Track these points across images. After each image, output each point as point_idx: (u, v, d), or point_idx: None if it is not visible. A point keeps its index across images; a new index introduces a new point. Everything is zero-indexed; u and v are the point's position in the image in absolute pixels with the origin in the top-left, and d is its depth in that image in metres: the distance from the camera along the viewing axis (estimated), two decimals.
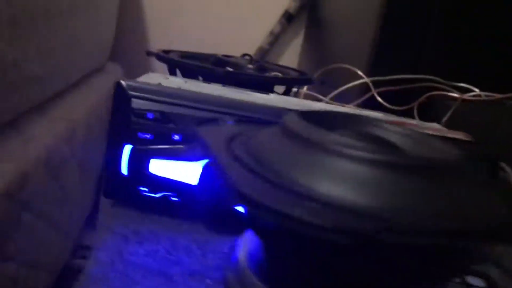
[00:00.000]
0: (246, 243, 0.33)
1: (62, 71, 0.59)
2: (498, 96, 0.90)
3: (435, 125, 0.61)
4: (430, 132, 0.49)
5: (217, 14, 1.24)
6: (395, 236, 0.22)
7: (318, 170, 0.25)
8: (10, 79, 0.40)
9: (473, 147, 0.48)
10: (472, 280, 0.36)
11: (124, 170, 0.44)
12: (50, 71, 0.52)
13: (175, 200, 0.45)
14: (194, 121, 0.43)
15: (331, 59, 1.15)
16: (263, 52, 1.19)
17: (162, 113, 0.43)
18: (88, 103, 0.73)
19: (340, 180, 0.25)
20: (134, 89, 0.44)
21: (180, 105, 0.43)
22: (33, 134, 0.46)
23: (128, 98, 0.43)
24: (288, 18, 1.21)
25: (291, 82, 0.76)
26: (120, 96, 0.44)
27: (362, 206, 0.23)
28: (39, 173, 0.42)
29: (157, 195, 0.45)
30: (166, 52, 0.77)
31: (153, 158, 0.43)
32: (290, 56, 1.26)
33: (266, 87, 0.67)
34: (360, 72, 0.92)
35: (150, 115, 0.43)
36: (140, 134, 0.43)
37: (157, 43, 1.21)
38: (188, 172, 0.44)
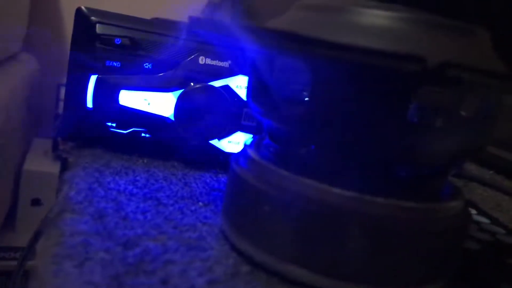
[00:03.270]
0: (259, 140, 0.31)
1: None
2: None
3: None
4: None
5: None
6: (459, 72, 0.21)
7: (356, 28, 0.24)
8: None
9: None
10: None
11: (90, 103, 0.40)
12: None
13: (145, 137, 0.41)
14: (167, 48, 0.40)
15: None
16: None
17: (131, 39, 0.40)
18: (5, 88, 0.68)
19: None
20: (97, 14, 0.40)
21: (150, 32, 0.40)
22: None
23: (92, 24, 0.40)
24: None
25: None
26: (82, 23, 0.40)
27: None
28: None
29: (126, 131, 0.41)
30: None
31: (122, 89, 0.40)
32: None
33: None
34: None
35: (117, 41, 0.40)
36: (107, 62, 0.39)
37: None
38: (161, 104, 0.40)
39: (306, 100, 0.26)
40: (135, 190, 0.35)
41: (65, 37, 1.24)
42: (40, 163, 1.13)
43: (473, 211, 0.42)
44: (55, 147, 1.16)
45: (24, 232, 1.05)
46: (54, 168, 1.09)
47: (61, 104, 1.06)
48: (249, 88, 0.30)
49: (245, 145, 0.31)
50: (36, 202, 1.11)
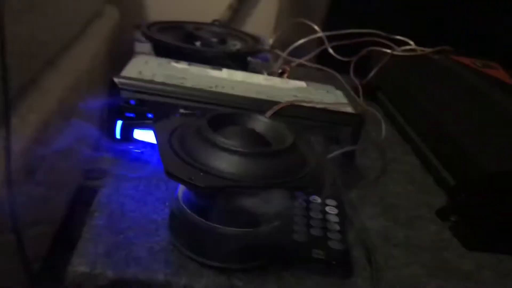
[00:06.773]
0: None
1: (68, 26, 0.68)
2: (428, 50, 1.07)
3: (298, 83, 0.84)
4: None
5: None
6: (238, 189, 0.48)
7: (211, 156, 0.51)
8: (30, 49, 0.48)
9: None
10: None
11: (118, 135, 0.70)
12: (56, 33, 0.60)
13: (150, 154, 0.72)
14: (162, 106, 0.69)
15: (294, 15, 1.34)
16: (233, 10, 1.35)
17: (141, 100, 0.69)
18: (90, 52, 0.76)
19: (221, 161, 0.50)
20: (122, 84, 0.69)
21: (153, 94, 0.69)
22: (47, 87, 0.52)
23: (119, 91, 0.69)
24: None
25: (244, 55, 0.99)
26: (113, 89, 0.69)
27: (230, 173, 0.49)
28: (56, 121, 0.50)
29: (139, 151, 0.71)
30: (149, 26, 1.00)
31: (135, 128, 0.70)
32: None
33: (226, 62, 0.89)
34: (316, 27, 1.08)
35: (133, 102, 0.69)
36: (126, 114, 0.69)
37: None
38: None
39: None
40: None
41: None
42: None
43: None
44: None
45: None
46: None
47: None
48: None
49: None
50: None
